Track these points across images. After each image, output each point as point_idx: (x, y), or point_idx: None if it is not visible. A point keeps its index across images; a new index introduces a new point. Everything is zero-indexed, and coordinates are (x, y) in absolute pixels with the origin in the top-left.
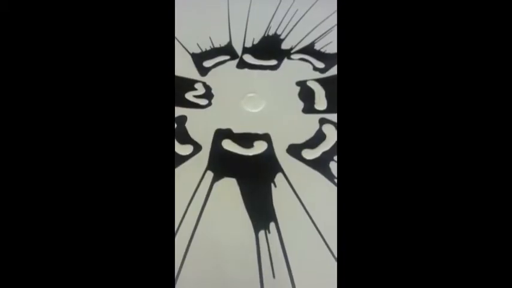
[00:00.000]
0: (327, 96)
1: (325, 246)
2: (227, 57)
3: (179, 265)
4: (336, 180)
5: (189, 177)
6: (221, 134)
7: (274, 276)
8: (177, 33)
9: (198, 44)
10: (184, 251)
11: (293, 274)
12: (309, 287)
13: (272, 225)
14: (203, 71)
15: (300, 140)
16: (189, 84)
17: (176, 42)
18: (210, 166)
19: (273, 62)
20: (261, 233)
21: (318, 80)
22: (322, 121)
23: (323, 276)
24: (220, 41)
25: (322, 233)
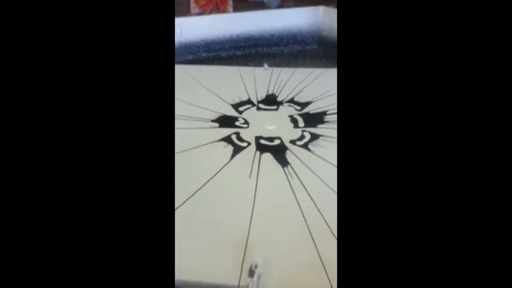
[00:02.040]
0: (303, 121)
1: (307, 167)
2: (250, 105)
3: (255, 181)
4: (309, 151)
5: (249, 154)
6: (258, 138)
7: (291, 177)
8: (222, 95)
9: (232, 100)
10: (255, 179)
11: (300, 178)
12: (308, 181)
13: (289, 166)
14: (240, 112)
15: (294, 138)
16: (235, 118)
17: (222, 101)
18: (257, 149)
19: (275, 107)
20: (285, 168)
21: (298, 115)
22: (303, 131)
23: (313, 175)
24: (243, 98)
25: (308, 165)
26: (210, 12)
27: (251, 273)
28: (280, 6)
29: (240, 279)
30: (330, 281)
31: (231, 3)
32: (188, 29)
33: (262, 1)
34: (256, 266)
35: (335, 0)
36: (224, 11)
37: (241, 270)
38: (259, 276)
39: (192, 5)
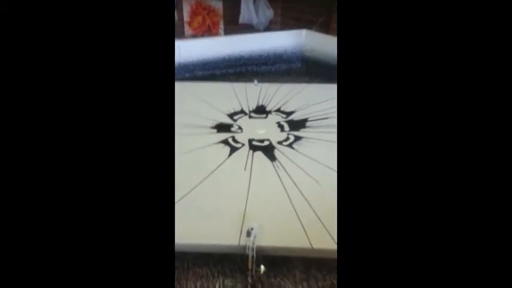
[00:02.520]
0: (288, 126)
1: (292, 161)
2: (243, 114)
3: (249, 172)
4: (293, 149)
5: (243, 153)
6: (251, 140)
7: (279, 169)
8: (218, 107)
9: (228, 110)
10: (249, 171)
11: (286, 169)
12: (292, 172)
13: (276, 160)
14: (235, 120)
15: (281, 139)
16: (231, 125)
17: (219, 111)
18: (250, 149)
19: (264, 115)
20: (273, 162)
21: (284, 121)
22: (287, 134)
23: (297, 167)
24: (237, 108)
25: (293, 160)
26: (202, 35)
27: (248, 233)
28: (268, 29)
29: (239, 239)
30: (308, 239)
31: (222, 26)
32: (185, 50)
33: (251, 24)
34: (252, 229)
35: (316, 24)
36: (216, 34)
37: (240, 232)
38: (255, 236)
39: (186, 27)
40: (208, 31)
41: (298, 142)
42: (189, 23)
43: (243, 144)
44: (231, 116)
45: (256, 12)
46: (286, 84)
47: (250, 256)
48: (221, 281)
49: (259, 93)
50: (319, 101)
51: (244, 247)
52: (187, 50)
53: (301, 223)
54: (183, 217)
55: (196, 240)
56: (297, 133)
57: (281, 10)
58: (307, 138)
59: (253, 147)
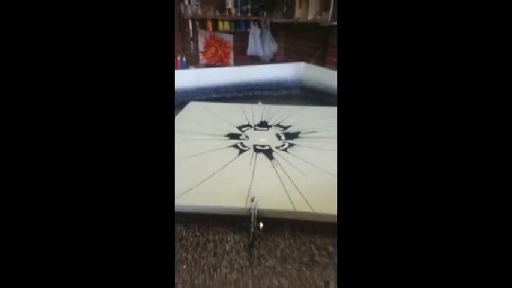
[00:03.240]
0: (284, 137)
1: (286, 160)
2: (249, 127)
3: (253, 167)
4: (287, 152)
5: (248, 154)
6: (255, 145)
7: (276, 165)
8: (230, 121)
9: (237, 123)
10: (254, 166)
11: (281, 165)
12: (286, 167)
13: (274, 159)
14: (243, 131)
15: (278, 145)
16: (239, 134)
17: (230, 124)
18: (255, 151)
19: (266, 128)
20: (272, 160)
21: (281, 133)
22: (284, 142)
23: (289, 164)
24: (244, 123)
25: (287, 159)
26: (215, 64)
27: (252, 200)
28: (272, 61)
29: (246, 204)
30: (293, 204)
31: (232, 56)
32: (203, 77)
33: (257, 56)
34: (254, 197)
35: (314, 57)
36: (227, 63)
37: (246, 200)
38: (256, 202)
39: (201, 57)
40: (220, 60)
41: (291, 147)
42: (204, 53)
43: (249, 148)
44: (239, 128)
45: (262, 45)
46: (285, 105)
47: (253, 214)
48: (232, 235)
49: (263, 112)
50: (310, 120)
51: (249, 209)
52: (205, 76)
53: (288, 196)
54: (208, 190)
55: (216, 204)
56: (290, 141)
57: (284, 44)
58: (298, 145)
59: (257, 150)
